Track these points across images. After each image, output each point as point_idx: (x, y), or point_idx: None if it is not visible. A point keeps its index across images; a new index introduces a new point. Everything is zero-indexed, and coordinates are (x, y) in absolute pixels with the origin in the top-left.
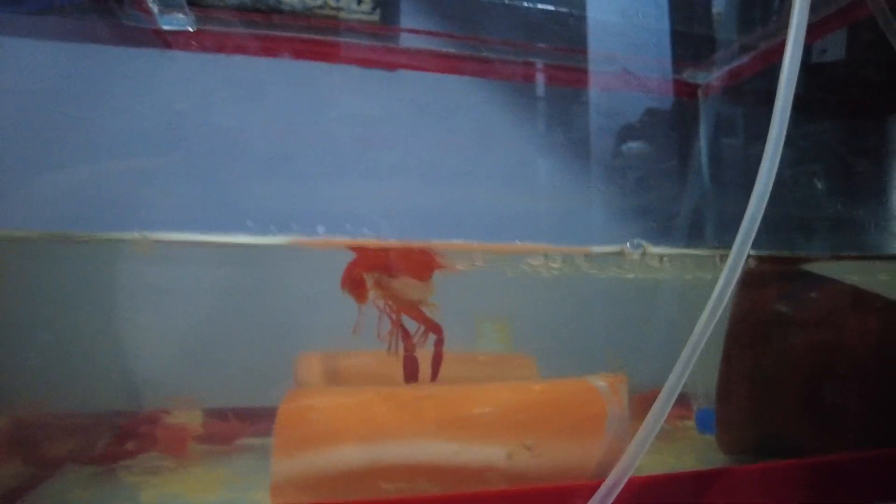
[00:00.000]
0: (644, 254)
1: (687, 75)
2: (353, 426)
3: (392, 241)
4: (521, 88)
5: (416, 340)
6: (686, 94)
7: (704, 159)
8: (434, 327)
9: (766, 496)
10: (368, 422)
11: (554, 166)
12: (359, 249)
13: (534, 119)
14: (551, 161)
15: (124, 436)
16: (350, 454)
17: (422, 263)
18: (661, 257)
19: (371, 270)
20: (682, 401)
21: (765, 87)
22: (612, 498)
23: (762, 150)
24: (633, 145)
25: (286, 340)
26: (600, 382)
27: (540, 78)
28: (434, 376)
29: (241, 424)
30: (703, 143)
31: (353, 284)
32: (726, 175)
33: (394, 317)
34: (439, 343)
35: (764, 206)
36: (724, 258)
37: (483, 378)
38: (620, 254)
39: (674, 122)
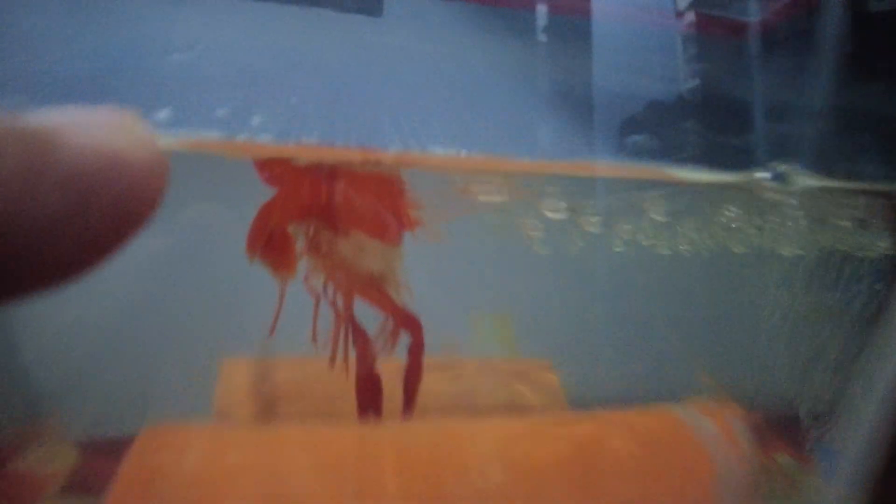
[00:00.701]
0: (787, 186)
1: None
2: None
3: (342, 150)
4: None
5: (377, 345)
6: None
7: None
8: (408, 322)
9: None
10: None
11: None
12: (283, 172)
13: None
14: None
15: None
16: None
17: (389, 210)
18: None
19: (301, 219)
20: (785, 424)
21: None
22: None
23: None
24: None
25: (206, 333)
26: (696, 416)
27: None
28: (408, 405)
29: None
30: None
31: (270, 244)
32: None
33: (339, 304)
34: (416, 349)
35: None
36: None
37: (485, 405)
38: (741, 187)
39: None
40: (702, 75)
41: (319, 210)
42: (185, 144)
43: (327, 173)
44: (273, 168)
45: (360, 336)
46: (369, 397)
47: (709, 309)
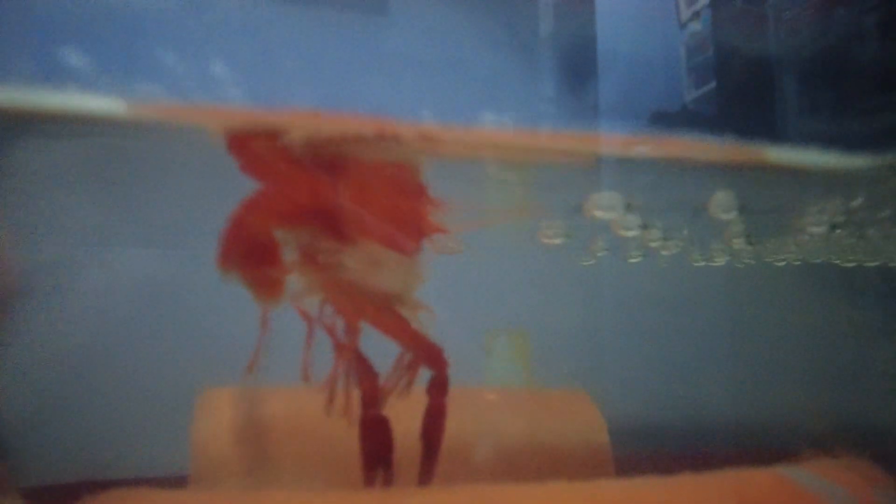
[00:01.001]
0: None
1: None
2: None
3: (348, 120)
4: None
5: (388, 385)
6: None
7: None
8: (429, 354)
9: None
10: None
11: None
12: (268, 158)
13: None
14: None
15: None
16: None
17: (407, 211)
18: None
19: (293, 223)
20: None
21: None
22: None
23: None
24: None
25: (178, 361)
26: (820, 482)
27: None
28: (428, 463)
29: None
30: None
31: (250, 255)
32: None
33: (341, 332)
34: (439, 388)
35: None
36: None
37: (516, 449)
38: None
39: None
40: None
41: (318, 210)
42: (131, 109)
43: (328, 162)
44: (254, 150)
45: (366, 373)
46: (377, 450)
47: (820, 329)
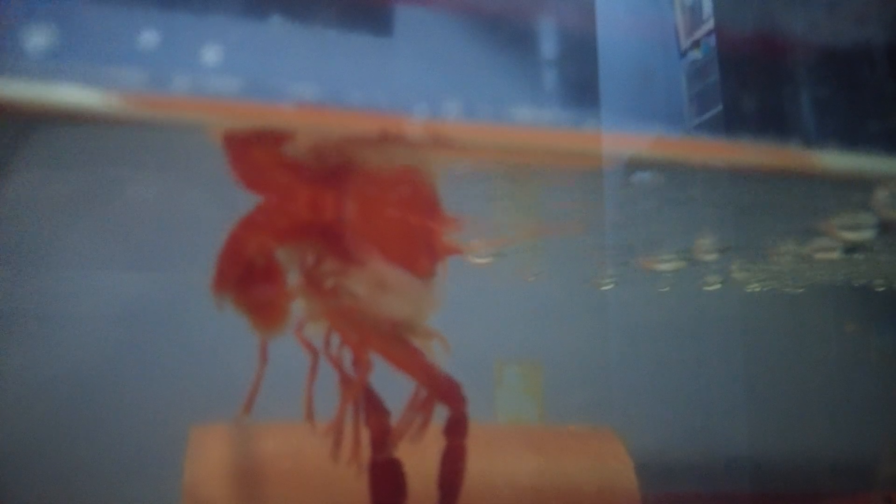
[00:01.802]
0: None
1: None
2: None
3: (350, 116)
4: None
5: (401, 425)
6: None
7: None
8: (446, 391)
9: None
10: None
11: None
12: (270, 168)
13: None
14: None
15: None
16: None
17: (420, 228)
18: None
19: (295, 241)
20: None
21: None
22: None
23: None
24: None
25: (169, 395)
26: None
27: None
28: None
29: None
30: None
31: (249, 279)
32: None
33: (348, 365)
34: (457, 429)
35: None
36: None
37: (541, 494)
38: None
39: None
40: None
41: (322, 227)
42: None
43: (333, 173)
44: (255, 159)
45: (376, 411)
46: (388, 498)
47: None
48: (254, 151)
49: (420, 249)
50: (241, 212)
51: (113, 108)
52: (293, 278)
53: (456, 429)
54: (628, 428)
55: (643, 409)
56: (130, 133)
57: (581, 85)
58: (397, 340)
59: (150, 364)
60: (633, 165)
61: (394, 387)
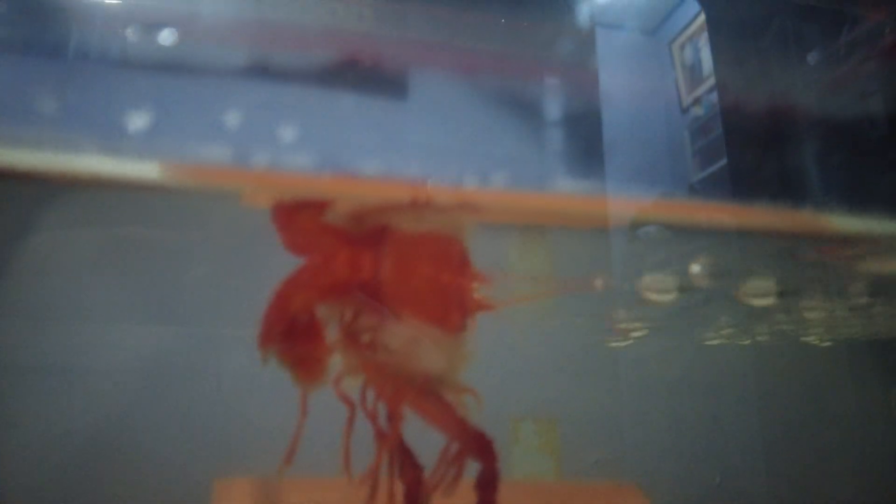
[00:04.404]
0: None
1: None
2: None
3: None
4: None
5: (434, 479)
6: None
7: None
8: (479, 445)
9: None
10: None
11: None
12: (312, 231)
13: None
14: None
15: None
16: None
17: (451, 285)
18: None
19: (335, 299)
20: None
21: None
22: None
23: None
24: None
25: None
26: None
27: None
28: None
29: None
30: None
31: (292, 334)
32: None
33: (383, 418)
34: (489, 483)
35: None
36: None
37: None
38: None
39: None
40: None
41: (361, 286)
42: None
43: (370, 234)
44: (300, 223)
45: (410, 464)
46: None
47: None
48: (299, 218)
49: (452, 305)
50: (260, 270)
51: (166, 178)
52: (332, 334)
53: (487, 484)
54: (648, 485)
55: (664, 467)
56: (168, 199)
57: (586, 143)
58: (430, 395)
59: (171, 417)
60: (638, 223)
61: (428, 441)
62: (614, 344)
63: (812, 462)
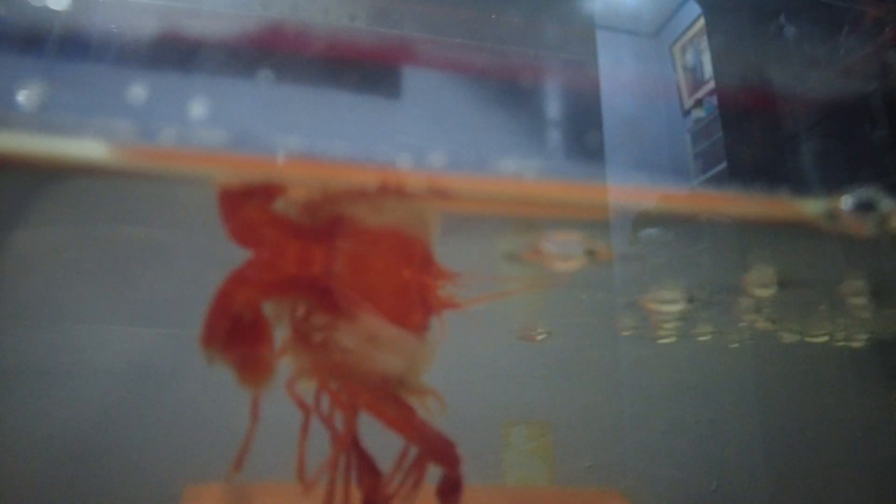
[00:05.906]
0: None
1: None
2: None
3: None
4: None
5: (392, 484)
6: None
7: None
8: (440, 450)
9: None
10: None
11: None
12: (260, 222)
13: None
14: None
15: None
16: None
17: (413, 282)
18: None
19: (284, 296)
20: None
21: None
22: None
23: None
24: None
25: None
26: None
27: None
28: None
29: None
30: None
31: (236, 334)
32: None
33: (339, 422)
34: (451, 490)
35: None
36: None
37: None
38: None
39: None
40: None
41: (312, 282)
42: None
43: (325, 226)
44: (247, 213)
45: (367, 471)
46: None
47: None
48: (245, 207)
49: (413, 304)
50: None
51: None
52: (282, 334)
53: (449, 491)
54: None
55: (657, 472)
56: (137, 187)
57: (587, 146)
58: (388, 397)
59: (149, 421)
60: (641, 222)
61: (391, 446)
62: (611, 346)
63: (812, 466)
